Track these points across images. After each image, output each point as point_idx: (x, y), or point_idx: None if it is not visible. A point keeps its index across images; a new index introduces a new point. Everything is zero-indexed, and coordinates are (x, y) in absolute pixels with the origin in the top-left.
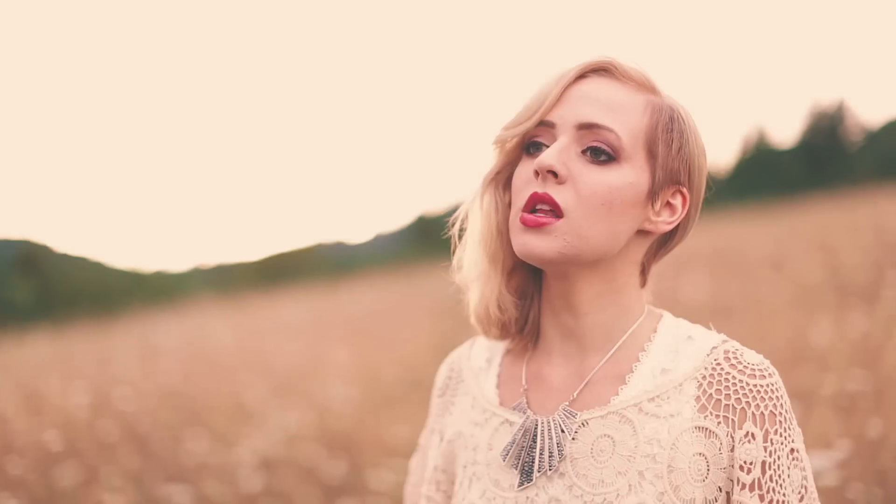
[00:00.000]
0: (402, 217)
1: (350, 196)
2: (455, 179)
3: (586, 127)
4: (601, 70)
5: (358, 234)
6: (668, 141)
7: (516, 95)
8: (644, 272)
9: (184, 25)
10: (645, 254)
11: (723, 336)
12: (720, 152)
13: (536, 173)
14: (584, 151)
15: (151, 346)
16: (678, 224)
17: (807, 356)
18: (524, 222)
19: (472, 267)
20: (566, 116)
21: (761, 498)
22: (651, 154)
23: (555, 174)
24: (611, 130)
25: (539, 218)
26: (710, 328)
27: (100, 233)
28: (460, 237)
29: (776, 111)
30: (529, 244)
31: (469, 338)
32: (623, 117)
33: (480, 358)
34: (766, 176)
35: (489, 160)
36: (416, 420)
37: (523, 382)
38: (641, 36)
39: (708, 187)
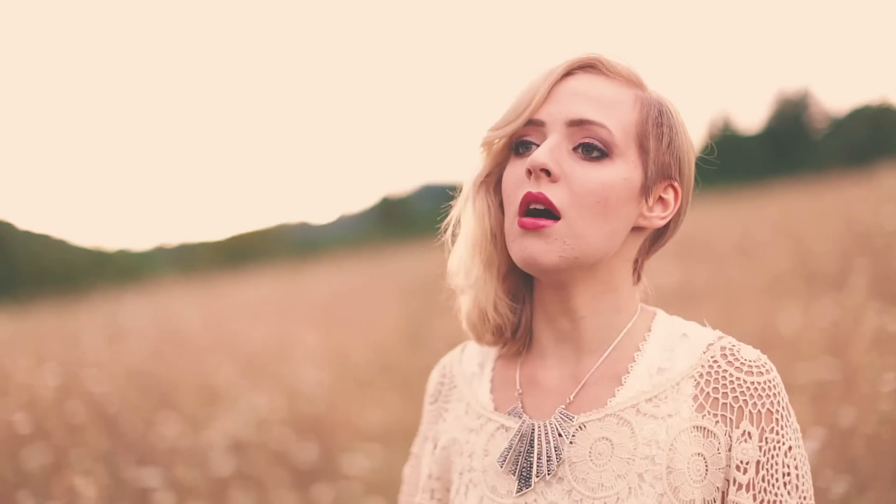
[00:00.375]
0: (367, 198)
1: (314, 177)
2: (419, 161)
3: (577, 123)
4: (588, 66)
5: (322, 214)
6: (658, 136)
7: (485, 81)
8: (637, 269)
9: (149, 2)
10: (638, 250)
11: (718, 332)
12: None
13: (529, 172)
14: (575, 148)
15: (118, 326)
16: (672, 218)
17: (776, 343)
18: (522, 226)
19: (466, 273)
20: (556, 114)
21: (755, 498)
22: (643, 149)
23: (548, 172)
24: (602, 126)
25: (537, 220)
26: (704, 325)
27: (63, 210)
28: (452, 242)
29: (742, 97)
30: (529, 249)
31: (435, 319)
32: (613, 113)
33: (472, 363)
34: (731, 162)
35: (477, 162)
36: (388, 404)
37: (518, 387)
38: (609, 22)
39: (696, 180)
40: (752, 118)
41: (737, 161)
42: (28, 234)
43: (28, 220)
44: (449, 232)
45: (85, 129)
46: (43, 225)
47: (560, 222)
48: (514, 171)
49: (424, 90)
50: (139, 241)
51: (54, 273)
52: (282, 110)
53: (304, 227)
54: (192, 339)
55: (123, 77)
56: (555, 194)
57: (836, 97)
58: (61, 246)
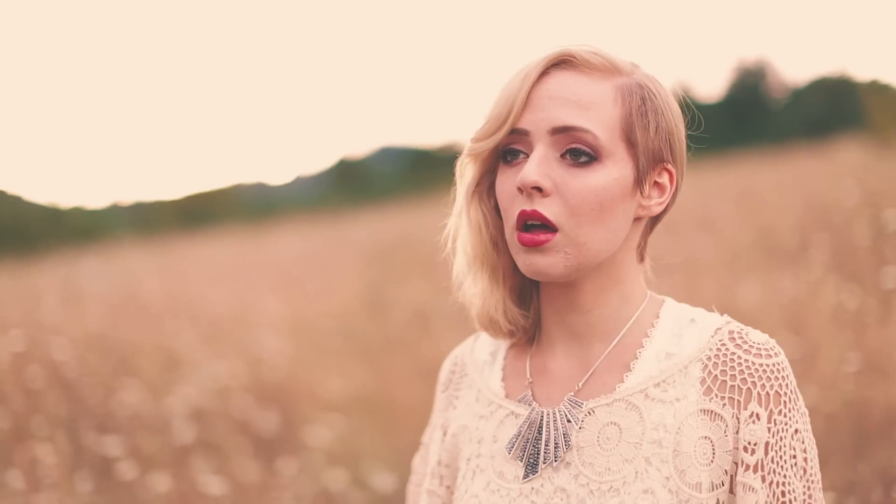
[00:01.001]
0: (324, 160)
1: (271, 136)
2: (378, 123)
3: (561, 131)
4: (562, 63)
5: (279, 175)
6: (644, 125)
7: (446, 42)
8: (640, 250)
9: None
10: (641, 236)
11: (726, 317)
12: None
13: (521, 189)
14: (563, 155)
15: (75, 288)
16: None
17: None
18: (522, 243)
19: (472, 283)
20: (538, 122)
21: (763, 479)
22: (630, 143)
23: (539, 189)
24: (587, 131)
25: (536, 236)
26: (712, 310)
27: (17, 165)
28: (453, 254)
29: (701, 66)
30: (535, 264)
31: (397, 285)
32: (595, 113)
33: (484, 352)
34: (690, 131)
35: (465, 172)
36: (349, 373)
37: (528, 375)
38: None
39: (687, 146)
40: (711, 87)
41: (696, 130)
42: None
43: None
44: (449, 244)
45: (40, 83)
46: None
47: (558, 235)
48: (506, 183)
49: (383, 50)
50: (94, 198)
51: (8, 230)
52: (239, 68)
53: (260, 188)
54: (152, 303)
55: (79, 32)
56: (549, 209)
57: (795, 68)
58: (15, 202)
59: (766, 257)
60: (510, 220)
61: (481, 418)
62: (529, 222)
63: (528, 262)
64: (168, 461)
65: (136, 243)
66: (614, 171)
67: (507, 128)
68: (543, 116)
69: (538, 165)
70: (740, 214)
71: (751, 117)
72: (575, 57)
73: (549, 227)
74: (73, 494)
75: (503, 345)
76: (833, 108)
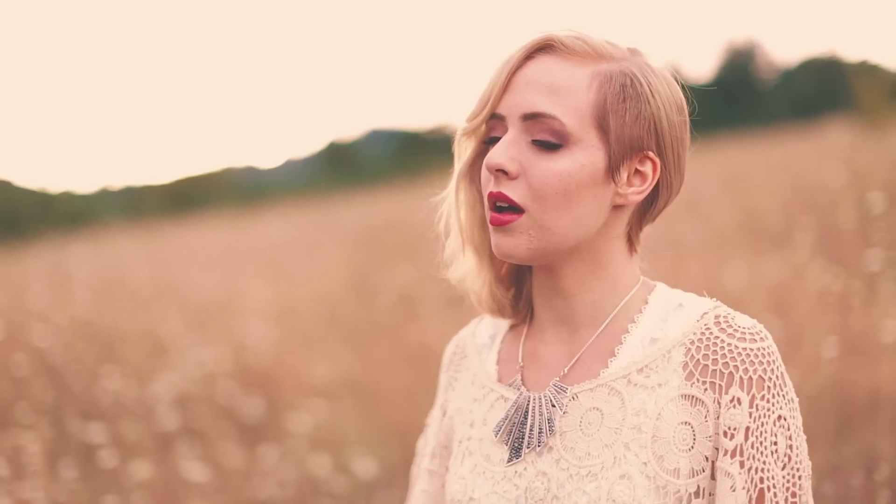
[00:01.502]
0: (313, 143)
1: (260, 120)
2: (368, 106)
3: (531, 117)
4: (546, 48)
5: (268, 159)
6: (620, 112)
7: (436, 24)
8: (632, 241)
9: None
10: (628, 223)
11: (715, 301)
12: None
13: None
14: (533, 141)
15: (62, 274)
16: (658, 187)
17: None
18: (491, 222)
19: (461, 263)
20: (512, 108)
21: (741, 465)
22: (602, 129)
23: (505, 171)
24: (553, 118)
25: (502, 216)
26: (703, 295)
27: (5, 150)
28: (446, 237)
29: (690, 47)
30: (500, 245)
31: (384, 270)
32: (565, 99)
33: (485, 335)
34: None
35: (459, 154)
36: (335, 358)
37: (519, 360)
38: None
39: (693, 135)
40: (700, 68)
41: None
42: None
43: None
44: (443, 223)
45: (29, 68)
46: None
47: (524, 216)
48: (484, 168)
49: (373, 32)
50: (84, 182)
51: None
52: (229, 51)
53: (250, 171)
54: (138, 289)
55: (69, 16)
56: (514, 191)
57: (785, 49)
58: (5, 187)
59: (753, 239)
60: (485, 200)
61: (475, 401)
62: (498, 204)
63: (496, 242)
64: (152, 448)
65: (125, 228)
66: (582, 157)
67: (486, 113)
68: (517, 102)
69: (505, 148)
70: (727, 197)
71: (740, 98)
72: (557, 42)
73: (516, 208)
74: (57, 482)
75: (503, 328)
76: (822, 89)
